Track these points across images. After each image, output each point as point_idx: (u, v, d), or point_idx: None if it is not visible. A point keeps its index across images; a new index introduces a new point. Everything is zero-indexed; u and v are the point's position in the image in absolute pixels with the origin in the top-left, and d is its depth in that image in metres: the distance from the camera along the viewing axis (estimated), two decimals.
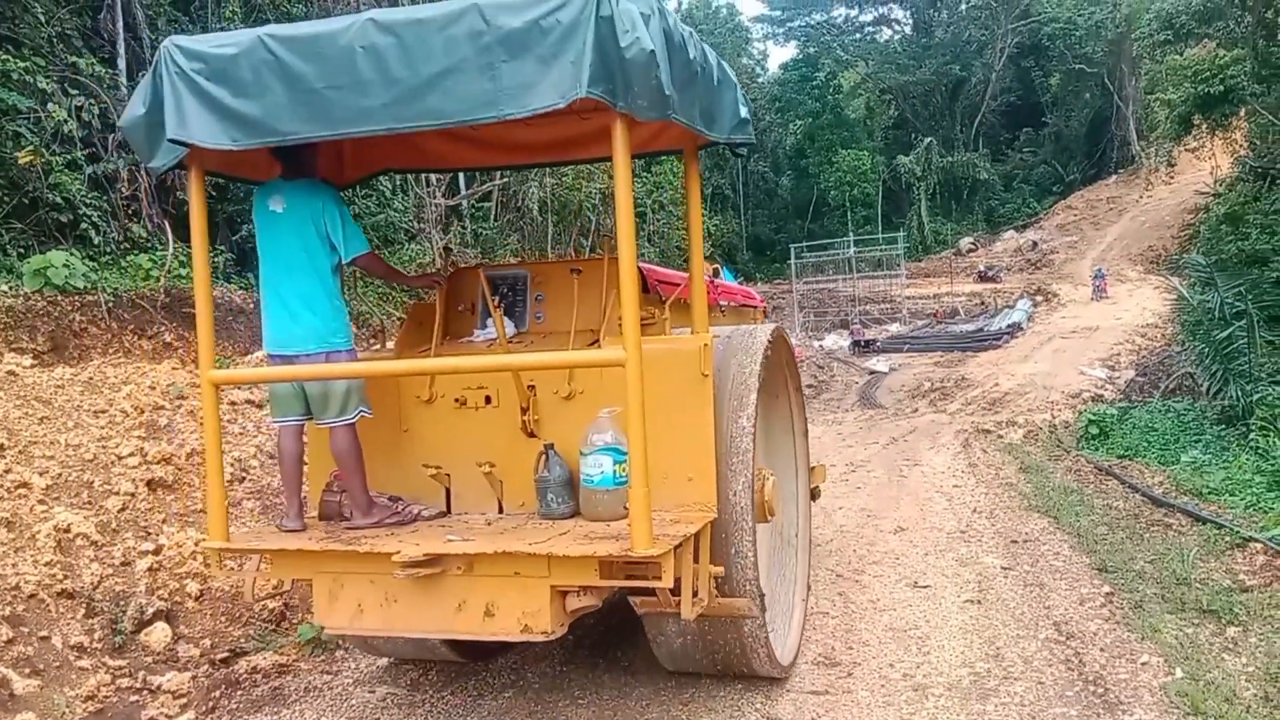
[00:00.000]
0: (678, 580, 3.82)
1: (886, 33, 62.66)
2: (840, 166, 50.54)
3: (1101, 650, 5.39)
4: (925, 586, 6.85)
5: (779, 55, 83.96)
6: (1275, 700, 4.55)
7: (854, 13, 61.82)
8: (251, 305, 13.62)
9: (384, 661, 5.73)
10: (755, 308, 8.31)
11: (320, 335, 4.40)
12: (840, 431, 16.12)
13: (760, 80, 60.69)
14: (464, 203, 19.53)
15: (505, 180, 19.90)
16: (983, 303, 35.18)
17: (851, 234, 42.22)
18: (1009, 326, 29.00)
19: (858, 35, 61.61)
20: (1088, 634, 5.67)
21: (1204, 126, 24.37)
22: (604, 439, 4.10)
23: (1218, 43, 23.92)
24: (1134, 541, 7.75)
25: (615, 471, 4.09)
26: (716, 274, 7.08)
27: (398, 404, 4.77)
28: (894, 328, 33.16)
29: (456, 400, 4.70)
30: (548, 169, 19.49)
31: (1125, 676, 4.98)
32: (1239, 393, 13.04)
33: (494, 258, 19.36)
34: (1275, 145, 21.52)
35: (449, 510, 4.68)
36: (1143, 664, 5.11)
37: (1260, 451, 10.30)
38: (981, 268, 41.50)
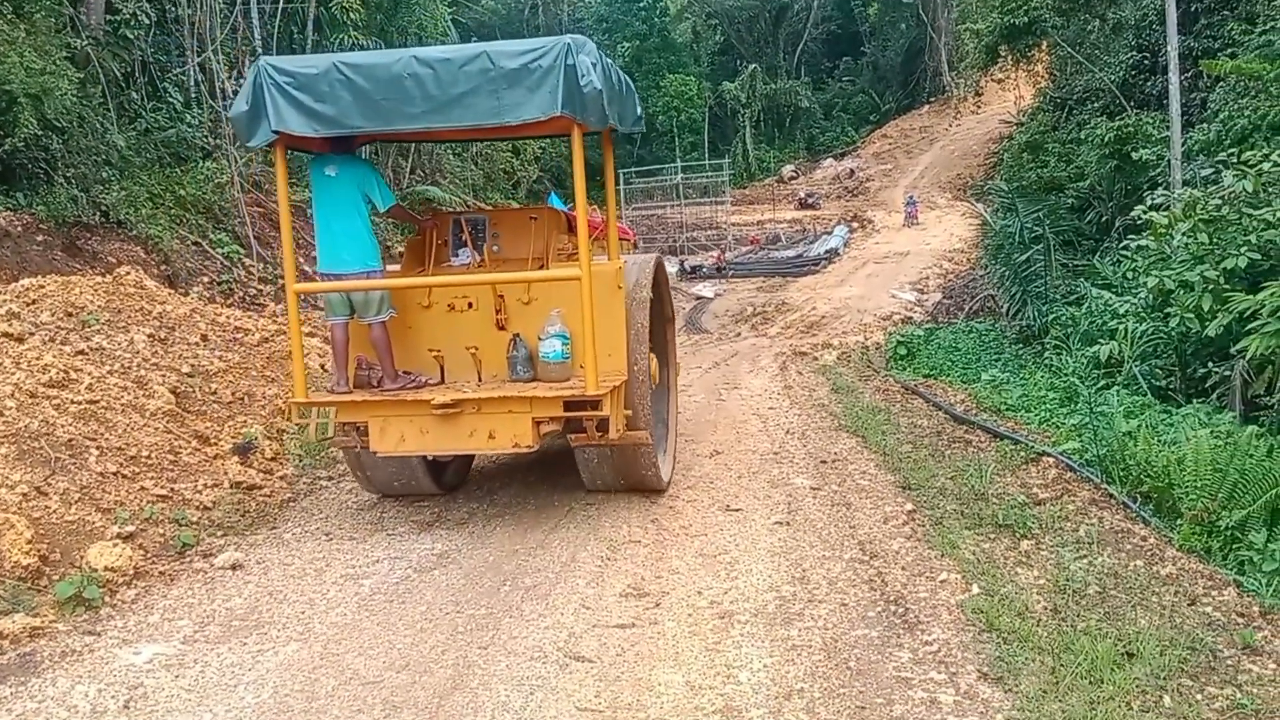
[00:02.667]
0: (604, 419, 6.01)
1: None
2: (668, 91, 50.06)
3: (903, 569, 5.44)
4: (737, 510, 6.82)
5: None
6: (1063, 612, 4.68)
7: None
8: (19, 229, 12.33)
9: (156, 617, 5.23)
10: (629, 240, 10.26)
11: (361, 259, 6.31)
12: None
13: (587, 0, 59.36)
14: None
15: None
16: (804, 229, 35.89)
17: (679, 160, 42.15)
18: (827, 252, 29.68)
19: None
20: (890, 553, 5.73)
21: (1009, 58, 25.21)
22: (555, 329, 6.20)
23: None
24: (936, 459, 7.95)
25: (562, 349, 6.19)
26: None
27: (405, 309, 6.58)
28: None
29: (448, 305, 6.64)
30: None
31: (925, 595, 5.03)
32: (1035, 313, 13.69)
33: (303, 178, 18.15)
34: (1073, 77, 22.49)
35: (443, 380, 6.57)
36: (941, 581, 5.19)
37: (1054, 369, 10.80)
38: (802, 195, 42.27)
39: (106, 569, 5.65)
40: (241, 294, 14.62)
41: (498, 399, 5.98)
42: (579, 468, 6.90)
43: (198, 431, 8.05)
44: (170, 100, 15.92)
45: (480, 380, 6.49)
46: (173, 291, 11.32)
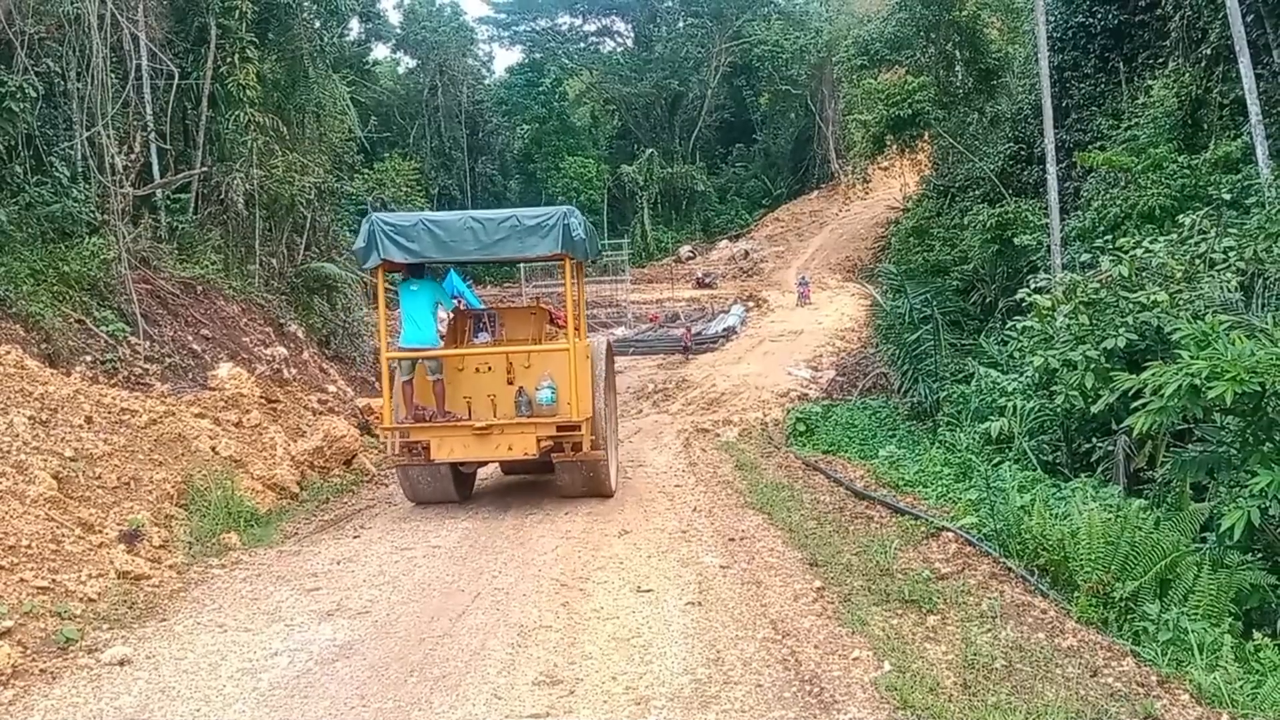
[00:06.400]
0: (577, 443, 9.26)
1: (609, 44, 64.04)
2: (567, 173, 50.92)
3: (816, 647, 5.47)
4: (648, 591, 6.77)
5: (505, 58, 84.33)
6: (973, 687, 4.76)
7: (578, 22, 62.69)
8: None
9: (36, 719, 4.90)
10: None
11: (430, 339, 9.66)
12: None
13: (487, 82, 60.10)
14: (158, 193, 17.69)
15: (206, 169, 18.26)
16: (702, 307, 36.51)
17: None
18: (725, 330, 30.21)
19: (582, 44, 62.52)
20: (802, 631, 5.76)
21: (894, 146, 26.41)
22: (547, 383, 9.36)
23: (907, 69, 26.07)
24: (841, 535, 8.07)
25: (551, 395, 9.29)
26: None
27: (447, 371, 9.62)
28: (620, 331, 33.70)
29: (476, 369, 9.76)
30: (255, 161, 18.54)
31: (839, 673, 5.05)
32: (927, 390, 14.14)
33: (193, 255, 17.70)
34: (955, 166, 23.68)
35: (470, 416, 9.50)
36: (854, 659, 5.22)
37: (947, 445, 11.13)
38: (699, 274, 43.10)
39: None
40: (127, 374, 14.03)
41: (515, 423, 9.28)
42: (556, 478, 9.99)
43: (81, 519, 7.64)
44: (56, 174, 15.36)
45: (496, 416, 9.50)
46: (55, 371, 10.82)
